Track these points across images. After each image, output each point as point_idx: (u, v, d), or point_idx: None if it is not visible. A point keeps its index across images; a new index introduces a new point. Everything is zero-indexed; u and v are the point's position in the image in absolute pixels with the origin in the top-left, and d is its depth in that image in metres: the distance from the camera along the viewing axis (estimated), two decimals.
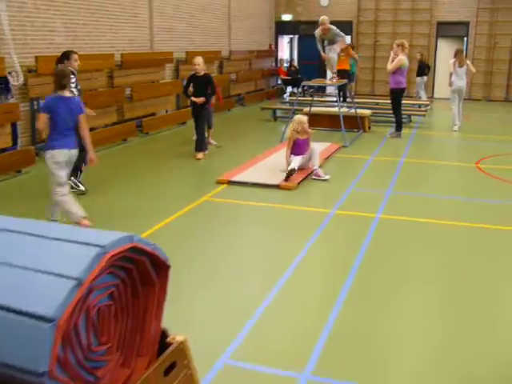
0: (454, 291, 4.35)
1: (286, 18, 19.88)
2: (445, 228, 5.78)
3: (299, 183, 7.30)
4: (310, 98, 12.46)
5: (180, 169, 8.33)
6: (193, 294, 4.18)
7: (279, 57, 20.06)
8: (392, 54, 10.58)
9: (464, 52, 18.51)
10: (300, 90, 13.74)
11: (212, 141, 9.81)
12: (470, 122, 13.51)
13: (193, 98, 8.68)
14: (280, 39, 20.60)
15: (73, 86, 5.99)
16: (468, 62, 12.46)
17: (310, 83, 11.21)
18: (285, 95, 16.83)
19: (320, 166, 8.24)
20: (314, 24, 19.85)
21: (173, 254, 2.49)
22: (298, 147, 7.77)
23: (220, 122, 13.24)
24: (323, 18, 10.16)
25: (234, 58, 16.05)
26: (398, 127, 10.92)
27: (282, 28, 20.02)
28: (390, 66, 10.51)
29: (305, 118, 8.00)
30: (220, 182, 7.35)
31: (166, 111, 12.62)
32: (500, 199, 6.92)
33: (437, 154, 9.75)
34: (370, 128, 11.88)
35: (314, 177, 7.73)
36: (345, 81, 11.41)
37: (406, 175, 8.04)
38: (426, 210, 6.42)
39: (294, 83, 17.78)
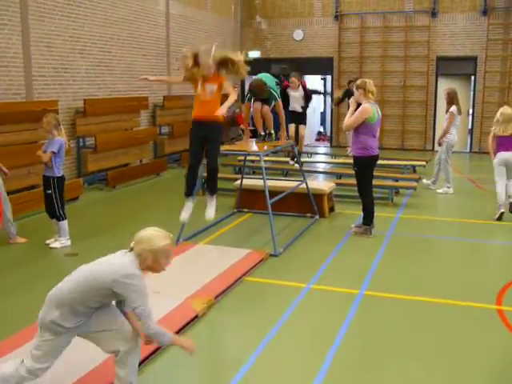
0: None
1: (254, 55, 16.36)
2: None
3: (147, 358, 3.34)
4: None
5: None
6: None
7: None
8: (352, 103, 6.73)
9: (472, 93, 14.91)
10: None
11: None
12: (484, 194, 9.55)
13: None
14: (247, 80, 17.00)
15: None
16: None
17: (228, 148, 6.93)
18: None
19: (209, 305, 4.43)
20: (288, 61, 16.66)
21: None
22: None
23: (126, 194, 9.50)
24: None
25: (171, 106, 12.34)
26: (367, 219, 6.83)
27: (249, 67, 16.40)
28: (349, 121, 6.64)
29: None
30: None
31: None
32: None
33: (426, 276, 5.53)
34: (332, 210, 7.99)
35: None
36: (290, 141, 7.60)
37: (355, 350, 4.01)
38: None
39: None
